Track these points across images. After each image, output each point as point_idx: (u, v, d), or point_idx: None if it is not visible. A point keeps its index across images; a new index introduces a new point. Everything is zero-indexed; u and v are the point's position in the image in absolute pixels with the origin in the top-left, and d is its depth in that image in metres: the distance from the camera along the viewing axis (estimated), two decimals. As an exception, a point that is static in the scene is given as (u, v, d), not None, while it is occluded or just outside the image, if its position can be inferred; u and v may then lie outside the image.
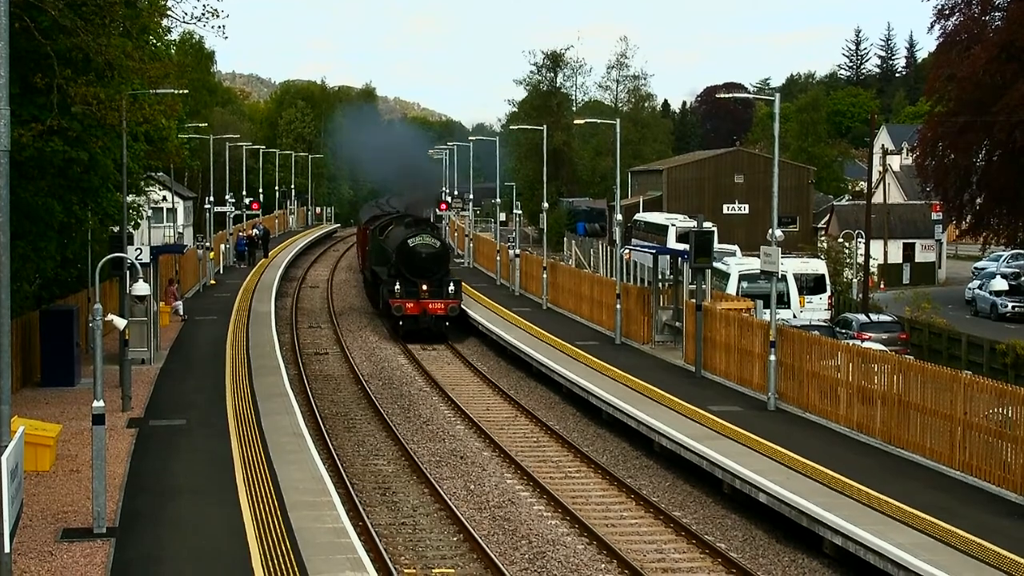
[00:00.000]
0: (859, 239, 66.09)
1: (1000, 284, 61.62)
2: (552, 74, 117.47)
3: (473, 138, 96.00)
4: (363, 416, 35.79)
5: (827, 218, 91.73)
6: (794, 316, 46.14)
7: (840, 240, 73.29)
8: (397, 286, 49.29)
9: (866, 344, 37.83)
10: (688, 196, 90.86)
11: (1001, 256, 77.35)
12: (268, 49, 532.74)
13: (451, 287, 49.88)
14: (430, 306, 49.31)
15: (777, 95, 35.60)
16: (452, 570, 22.02)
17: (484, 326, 49.71)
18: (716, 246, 44.75)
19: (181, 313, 51.23)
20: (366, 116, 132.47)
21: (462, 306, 51.76)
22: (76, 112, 27.24)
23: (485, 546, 22.93)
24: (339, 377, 42.32)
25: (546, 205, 61.08)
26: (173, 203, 75.57)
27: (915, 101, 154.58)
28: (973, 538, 20.92)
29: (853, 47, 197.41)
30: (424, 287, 49.38)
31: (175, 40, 67.26)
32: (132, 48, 29.03)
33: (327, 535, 20.85)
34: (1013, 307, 61.21)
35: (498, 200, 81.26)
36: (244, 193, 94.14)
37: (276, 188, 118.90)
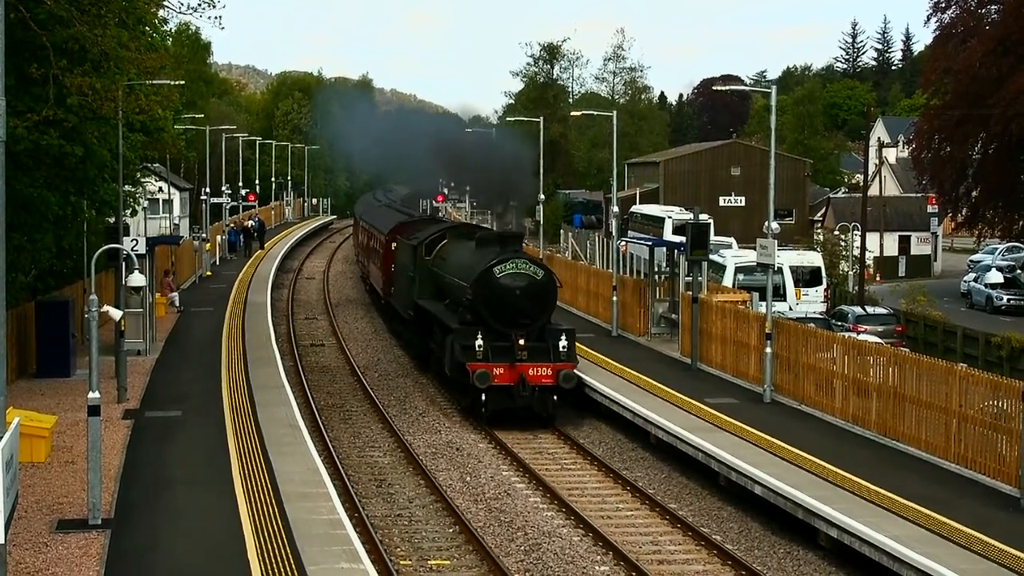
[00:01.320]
0: (855, 232, 66.14)
1: (995, 277, 61.69)
2: (549, 66, 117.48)
3: (470, 130, 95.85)
4: (359, 408, 35.78)
5: (823, 211, 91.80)
6: (790, 308, 46.16)
7: (836, 233, 73.31)
8: (478, 341, 32.85)
9: (862, 337, 37.85)
10: (684, 188, 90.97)
11: (997, 249, 77.41)
12: (265, 40, 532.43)
13: (562, 341, 32.94)
14: (531, 372, 32.63)
15: (773, 88, 35.56)
16: (448, 561, 22.04)
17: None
18: (712, 238, 44.76)
19: (177, 304, 51.19)
20: (363, 106, 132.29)
21: None
22: (72, 104, 27.20)
23: (480, 538, 22.96)
24: (335, 369, 42.31)
25: (542, 197, 61.05)
26: (169, 194, 75.41)
27: (911, 94, 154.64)
28: (968, 530, 20.94)
29: (849, 40, 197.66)
30: (521, 341, 32.79)
31: (171, 31, 67.12)
32: (128, 39, 28.96)
33: (323, 526, 20.84)
34: (1008, 300, 61.27)
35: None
36: (240, 184, 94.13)
37: (272, 179, 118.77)
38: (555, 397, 32.66)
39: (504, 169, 39.06)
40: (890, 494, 23.12)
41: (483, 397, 32.37)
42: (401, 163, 78.57)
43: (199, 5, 27.73)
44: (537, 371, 32.54)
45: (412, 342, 42.88)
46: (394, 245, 46.15)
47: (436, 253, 40.05)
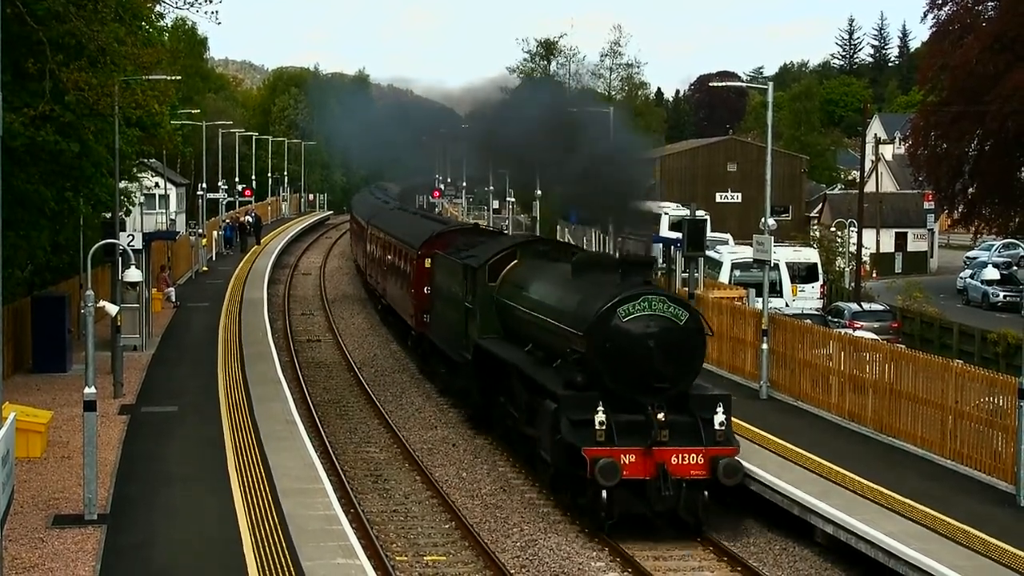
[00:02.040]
0: (851, 228, 66.19)
1: (991, 273, 61.46)
2: (545, 62, 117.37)
3: (466, 125, 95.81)
4: (355, 403, 35.77)
5: (820, 207, 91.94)
6: (786, 305, 46.17)
7: (832, 229, 73.39)
8: (599, 416, 23.04)
9: (858, 333, 37.86)
10: (681, 184, 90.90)
11: (993, 246, 77.48)
12: (261, 36, 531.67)
13: (718, 414, 23.56)
14: (674, 460, 23.15)
15: (770, 84, 35.58)
16: (444, 557, 22.04)
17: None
18: (709, 235, 44.74)
19: (173, 300, 51.14)
20: (360, 100, 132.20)
21: None
22: (70, 101, 27.19)
23: (476, 534, 22.96)
24: (332, 364, 42.29)
25: (539, 193, 60.97)
26: (166, 189, 75.32)
27: (908, 90, 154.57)
28: (963, 526, 20.96)
29: (846, 36, 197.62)
30: (661, 415, 23.19)
31: (167, 26, 67.10)
32: (125, 34, 28.95)
33: (319, 522, 20.85)
34: (1004, 296, 61.29)
35: (491, 187, 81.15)
36: (237, 180, 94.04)
37: (269, 175, 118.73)
38: (706, 494, 23.17)
39: (616, 167, 28.31)
40: (886, 490, 23.13)
41: (606, 497, 22.60)
42: (399, 157, 77.90)
43: (195, 0, 27.74)
44: (684, 459, 22.99)
45: (466, 393, 32.34)
46: (431, 263, 37.32)
47: (506, 279, 30.33)
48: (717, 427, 23.25)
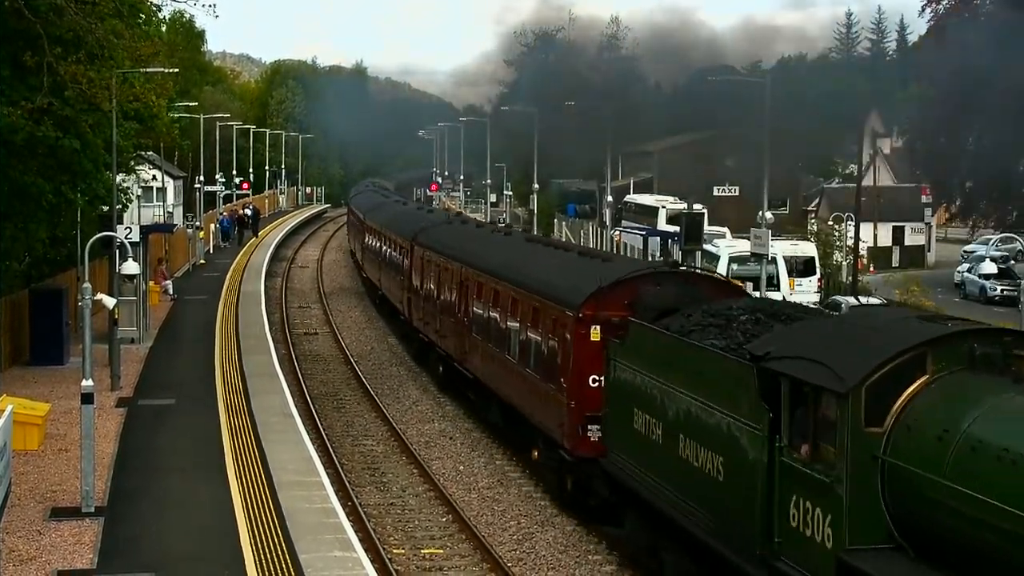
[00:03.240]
0: (849, 222, 66.20)
1: (989, 267, 61.68)
2: (543, 56, 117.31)
3: (464, 119, 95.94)
4: (352, 396, 35.80)
5: (817, 201, 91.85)
6: (783, 299, 46.19)
7: (830, 223, 73.38)
8: None
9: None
10: (679, 178, 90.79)
11: (990, 239, 77.51)
12: (259, 29, 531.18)
13: None
14: None
15: (768, 78, 35.62)
16: (441, 550, 22.08)
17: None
18: (706, 228, 44.80)
19: (171, 293, 51.15)
20: (358, 94, 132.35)
21: None
22: (69, 96, 27.21)
23: (474, 527, 23.00)
24: (329, 357, 42.31)
25: (536, 186, 61.05)
26: (163, 182, 75.26)
27: (906, 84, 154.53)
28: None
29: (844, 30, 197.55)
30: None
31: (165, 18, 67.03)
32: (123, 27, 28.96)
33: (316, 515, 20.87)
34: (1002, 290, 61.32)
35: (488, 181, 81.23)
36: (234, 173, 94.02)
37: (266, 168, 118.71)
38: None
39: None
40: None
41: None
42: (400, 150, 77.90)
43: (193, -6, 27.76)
44: None
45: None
46: (610, 342, 21.30)
47: (914, 423, 13.86)
48: None
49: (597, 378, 22.17)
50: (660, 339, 19.21)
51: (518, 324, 27.20)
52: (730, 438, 16.28)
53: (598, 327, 22.54)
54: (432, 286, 36.85)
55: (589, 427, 22.52)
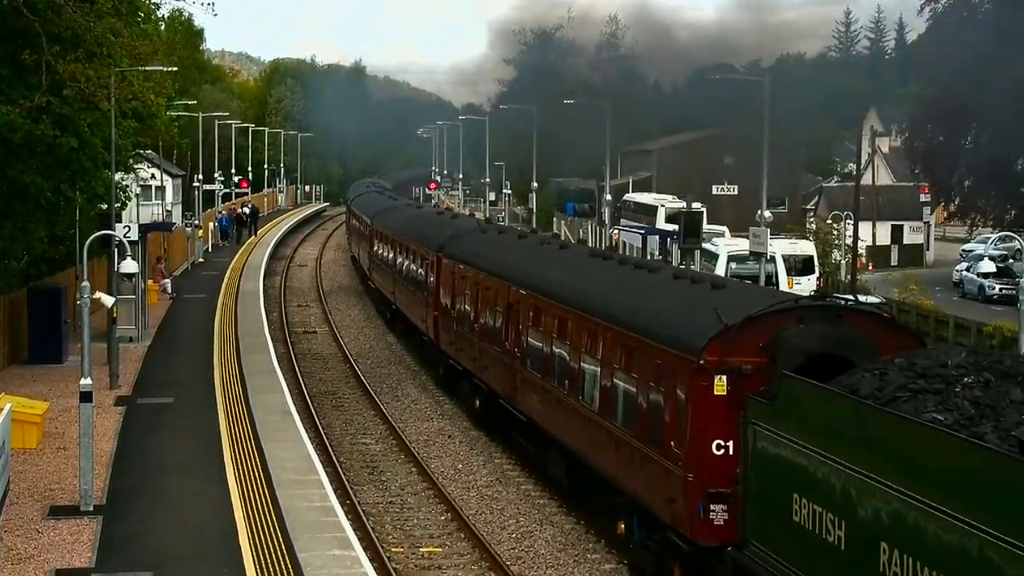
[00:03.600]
0: (848, 220, 66.21)
1: (988, 266, 61.68)
2: (542, 54, 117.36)
3: (463, 117, 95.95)
4: (351, 395, 35.80)
5: (816, 199, 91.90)
6: None
7: (829, 222, 73.39)
8: None
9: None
10: (678, 176, 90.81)
11: (989, 238, 77.54)
12: (258, 27, 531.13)
13: None
14: None
15: (767, 77, 35.62)
16: (439, 549, 22.08)
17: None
18: (705, 227, 44.79)
19: (169, 291, 51.13)
20: (357, 93, 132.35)
21: None
22: (68, 95, 27.21)
23: (472, 525, 23.00)
24: (328, 356, 42.31)
25: (535, 185, 61.06)
26: (162, 181, 75.29)
27: (905, 83, 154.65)
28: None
29: (843, 29, 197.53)
30: None
31: (164, 17, 67.01)
32: (121, 26, 28.96)
33: (315, 513, 20.87)
34: (1001, 289, 61.29)
35: (487, 179, 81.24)
36: (233, 171, 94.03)
37: (265, 167, 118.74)
38: None
39: None
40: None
41: None
42: (398, 149, 77.83)
43: (192, -8, 27.75)
44: None
45: None
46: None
47: None
48: None
49: (723, 444, 17.39)
50: (842, 405, 14.39)
51: (599, 364, 21.75)
52: (986, 564, 11.27)
53: (724, 377, 17.45)
54: (467, 306, 32.03)
55: (712, 507, 17.44)
